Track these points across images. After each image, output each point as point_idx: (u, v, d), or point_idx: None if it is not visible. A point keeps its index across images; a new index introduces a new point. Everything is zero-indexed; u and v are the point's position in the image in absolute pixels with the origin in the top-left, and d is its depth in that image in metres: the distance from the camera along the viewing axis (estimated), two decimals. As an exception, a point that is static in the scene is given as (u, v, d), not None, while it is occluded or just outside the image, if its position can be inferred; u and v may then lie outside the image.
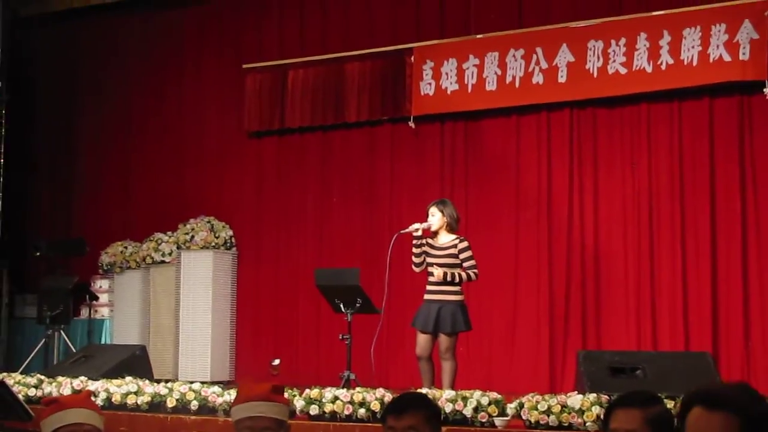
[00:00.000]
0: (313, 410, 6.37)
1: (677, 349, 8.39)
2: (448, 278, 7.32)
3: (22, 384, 7.29)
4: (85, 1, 11.32)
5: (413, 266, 7.60)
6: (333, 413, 6.34)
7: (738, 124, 8.57)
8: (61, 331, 9.80)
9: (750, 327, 8.39)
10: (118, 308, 10.78)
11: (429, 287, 7.48)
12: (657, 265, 8.78)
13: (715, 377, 6.29)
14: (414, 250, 7.53)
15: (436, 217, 7.49)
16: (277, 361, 9.23)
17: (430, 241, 7.53)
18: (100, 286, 10.85)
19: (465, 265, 7.44)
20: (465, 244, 7.46)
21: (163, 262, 10.47)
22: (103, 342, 10.55)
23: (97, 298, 10.54)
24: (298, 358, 10.13)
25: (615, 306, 8.93)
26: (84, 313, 10.77)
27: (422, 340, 7.44)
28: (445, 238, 7.49)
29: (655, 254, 8.80)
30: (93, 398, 3.92)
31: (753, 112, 8.52)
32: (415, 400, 3.41)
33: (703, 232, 8.62)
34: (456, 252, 7.42)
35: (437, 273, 7.32)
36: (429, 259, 7.48)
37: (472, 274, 7.44)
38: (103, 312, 10.83)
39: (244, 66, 10.62)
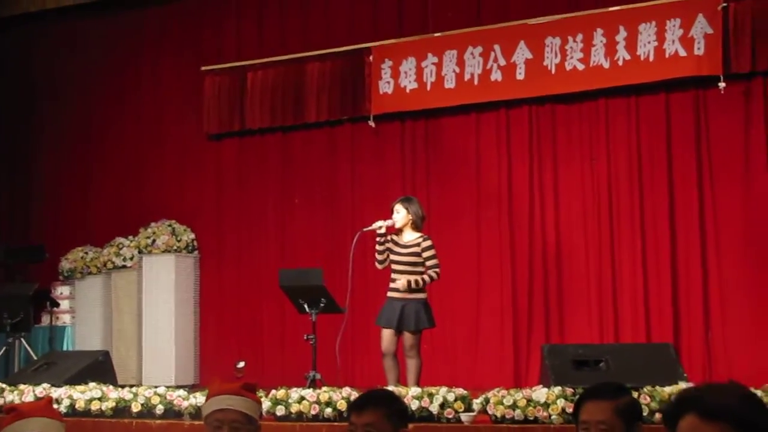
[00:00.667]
0: (280, 411, 6.37)
1: (639, 341, 8.49)
2: (413, 286, 7.33)
3: (-17, 392, 7.21)
4: (42, 5, 11.19)
5: (376, 263, 7.61)
6: (299, 413, 6.34)
7: (694, 117, 8.68)
8: (22, 339, 9.69)
9: (710, 318, 8.50)
10: (79, 314, 10.69)
11: (393, 285, 7.47)
12: (618, 258, 8.86)
13: (678, 368, 6.35)
14: (377, 247, 7.53)
15: (400, 215, 7.50)
16: (242, 364, 9.16)
17: (394, 238, 7.54)
18: (61, 293, 10.76)
19: (428, 264, 7.45)
20: (428, 243, 7.47)
21: (124, 266, 10.42)
22: (65, 349, 10.45)
23: (57, 305, 10.45)
24: (263, 359, 10.10)
25: (577, 300, 9.00)
26: (45, 320, 10.67)
27: (387, 337, 7.45)
28: (409, 236, 7.50)
29: (615, 248, 8.89)
30: (55, 405, 3.88)
31: (708, 105, 8.63)
32: (377, 397, 3.44)
33: (662, 225, 8.72)
34: (419, 250, 7.43)
35: (402, 283, 7.33)
36: (392, 257, 7.49)
37: (434, 275, 7.45)
38: (65, 318, 10.74)
39: (203, 68, 10.59)
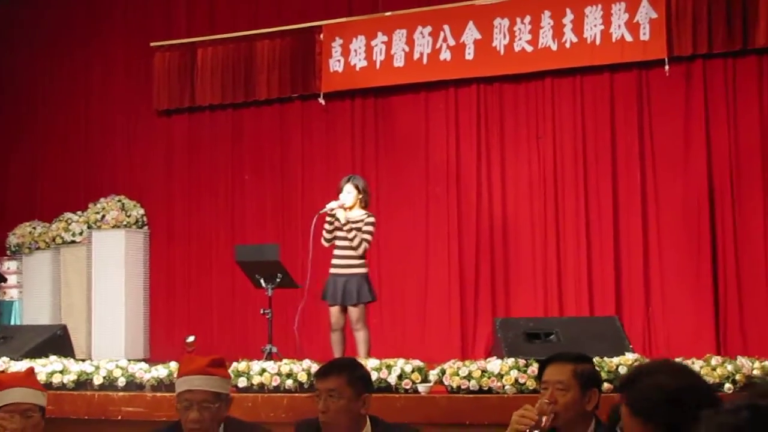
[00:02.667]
0: (242, 383, 6.50)
1: (582, 314, 8.76)
2: (348, 226, 7.45)
3: (-61, 365, 7.23)
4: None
5: (323, 241, 7.68)
6: (261, 385, 6.48)
7: (637, 97, 8.94)
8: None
9: (650, 292, 8.79)
10: (27, 289, 10.65)
11: (335, 261, 7.64)
12: (562, 234, 9.11)
13: (624, 340, 6.62)
14: (327, 226, 7.63)
15: (351, 194, 7.64)
16: (191, 338, 9.27)
17: (334, 217, 7.66)
18: (8, 268, 10.70)
19: (363, 236, 7.62)
20: (372, 219, 7.64)
21: (73, 242, 10.40)
22: (12, 323, 10.42)
23: (5, 280, 10.41)
24: (213, 334, 10.19)
25: (523, 274, 9.24)
26: (-8, 295, 10.65)
27: (335, 313, 7.62)
28: (356, 214, 7.65)
29: (560, 224, 9.13)
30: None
31: (651, 85, 8.90)
32: (340, 364, 3.62)
33: (605, 201, 8.99)
34: (362, 225, 7.58)
35: (341, 214, 7.45)
36: (338, 233, 7.64)
37: (364, 243, 7.57)
38: (12, 293, 10.69)
39: (153, 44, 10.57)
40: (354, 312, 7.53)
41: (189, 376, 3.63)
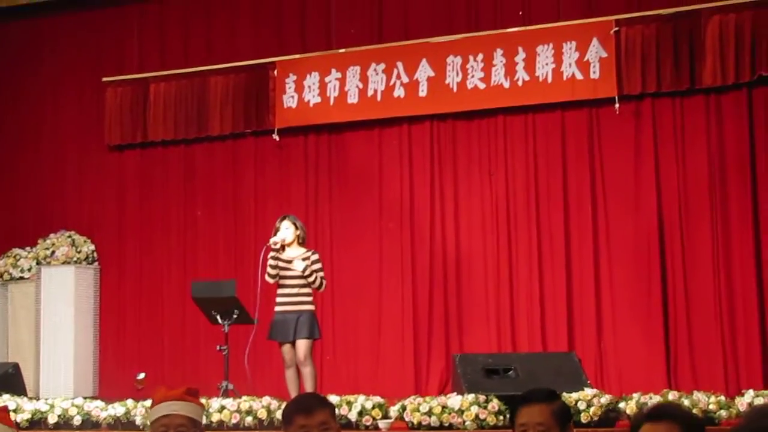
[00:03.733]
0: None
1: (535, 349, 8.82)
2: (308, 272, 7.47)
3: None
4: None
5: (268, 278, 7.67)
6: (220, 422, 6.44)
7: (588, 134, 9.09)
8: None
9: (602, 328, 8.88)
10: (-27, 326, 10.49)
11: (283, 299, 7.63)
12: (515, 269, 9.19)
13: (581, 375, 6.70)
14: (270, 262, 7.64)
15: (290, 231, 7.68)
16: (141, 375, 9.24)
17: (279, 255, 7.68)
18: (-45, 304, 10.53)
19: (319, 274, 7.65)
20: (317, 256, 7.70)
21: (22, 278, 10.27)
22: (-43, 361, 10.24)
23: (-49, 316, 10.23)
24: (164, 370, 10.08)
25: (476, 309, 9.28)
26: (-62, 332, 10.44)
27: (287, 350, 7.60)
28: (297, 251, 7.68)
29: (512, 260, 9.21)
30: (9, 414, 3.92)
31: (601, 123, 9.04)
32: (318, 398, 3.62)
33: (557, 238, 9.09)
34: (309, 263, 7.60)
35: (301, 266, 7.48)
36: (283, 272, 7.64)
37: (323, 281, 7.65)
38: (-42, 330, 10.51)
39: (105, 79, 10.53)
40: (303, 347, 7.52)
41: (167, 402, 3.63)
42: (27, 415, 6.76)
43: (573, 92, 8.95)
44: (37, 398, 7.94)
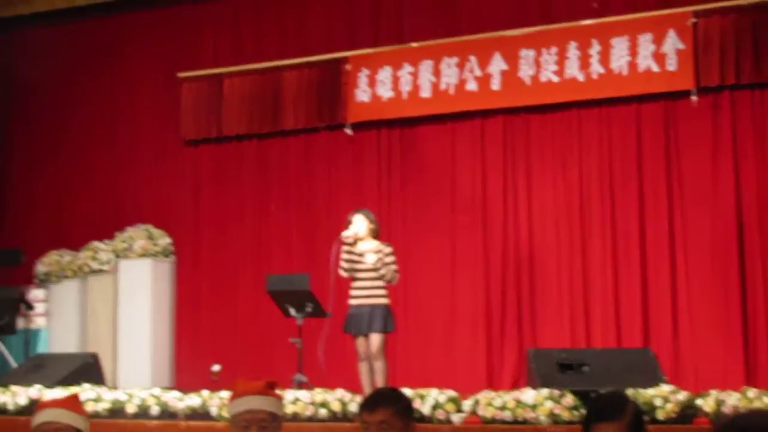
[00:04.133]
0: (275, 412, 6.50)
1: (609, 345, 8.74)
2: (378, 264, 7.50)
3: (-26, 394, 7.28)
4: (14, 10, 11.22)
5: (341, 271, 7.70)
6: (294, 414, 6.49)
7: (664, 127, 8.96)
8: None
9: (678, 323, 8.76)
10: (54, 318, 10.70)
11: (357, 292, 7.66)
12: (589, 264, 9.11)
13: (657, 371, 6.61)
14: (344, 255, 7.67)
15: (363, 225, 7.70)
16: (217, 367, 9.33)
17: (352, 248, 7.71)
18: (36, 296, 10.75)
19: (390, 268, 7.66)
20: (390, 249, 7.70)
21: (100, 270, 10.46)
22: (39, 352, 10.46)
23: (32, 308, 10.45)
24: (238, 363, 10.18)
25: (549, 304, 9.22)
26: (19, 323, 10.65)
27: (361, 343, 7.63)
28: (370, 245, 7.70)
29: (587, 254, 9.13)
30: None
31: (678, 116, 8.92)
32: (386, 396, 3.65)
33: (632, 233, 8.98)
34: (382, 256, 7.62)
35: (372, 259, 7.50)
36: (357, 265, 7.67)
37: (396, 274, 7.67)
38: (39, 322, 10.73)
39: (180, 74, 10.68)
40: (377, 341, 7.55)
41: (247, 396, 3.67)
42: (107, 405, 6.89)
43: (649, 85, 8.83)
44: (116, 388, 8.08)
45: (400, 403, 3.71)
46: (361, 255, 7.61)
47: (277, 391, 6.37)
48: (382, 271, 7.53)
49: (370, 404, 3.67)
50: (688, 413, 6.18)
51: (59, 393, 6.83)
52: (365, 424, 3.64)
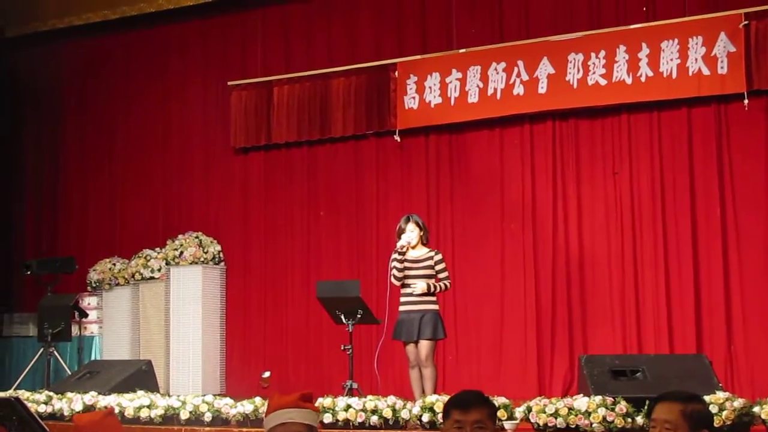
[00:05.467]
0: (327, 418, 6.53)
1: (662, 352, 8.64)
2: (431, 290, 7.54)
3: (31, 401, 7.36)
4: (69, 21, 11.40)
5: (394, 280, 7.69)
6: (346, 421, 6.50)
7: (716, 131, 8.86)
8: (53, 349, 9.83)
9: (732, 330, 8.64)
10: (107, 325, 10.85)
11: (407, 299, 7.65)
12: (640, 270, 9.02)
13: (713, 378, 6.54)
14: (397, 265, 7.67)
15: (414, 233, 7.70)
16: (267, 374, 9.36)
17: (404, 257, 7.70)
18: (89, 303, 10.91)
19: (441, 276, 7.68)
20: (440, 256, 7.72)
21: (152, 278, 10.58)
22: (93, 359, 10.60)
23: (86, 315, 10.57)
24: (288, 369, 10.25)
25: (600, 311, 9.15)
26: (73, 330, 10.79)
27: (412, 350, 7.62)
28: (420, 251, 7.71)
29: (638, 260, 9.04)
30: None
31: (730, 119, 8.82)
32: (480, 396, 3.62)
33: (684, 238, 8.88)
34: (432, 263, 7.64)
35: (422, 287, 7.52)
36: (407, 272, 7.66)
37: (448, 284, 7.74)
38: (92, 329, 10.89)
39: (230, 83, 10.77)
40: (426, 347, 7.54)
41: (282, 409, 3.65)
42: (160, 411, 6.95)
43: (699, 88, 8.73)
44: (168, 395, 8.16)
45: (492, 405, 3.70)
46: (413, 261, 7.61)
47: (327, 399, 6.42)
48: (436, 291, 7.55)
49: (464, 403, 3.62)
50: (744, 421, 6.10)
51: (112, 399, 6.93)
52: (458, 423, 3.60)
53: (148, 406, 6.97)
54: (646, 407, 5.78)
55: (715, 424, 5.95)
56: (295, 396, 3.67)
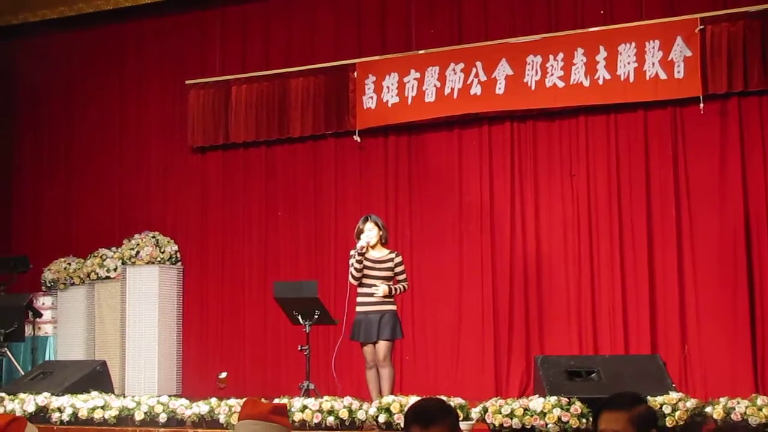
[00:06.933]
0: (283, 420, 6.49)
1: (617, 352, 8.71)
2: (392, 293, 7.56)
3: (-19, 402, 7.28)
4: (24, 18, 11.27)
5: (352, 279, 7.67)
6: (302, 422, 6.48)
7: (672, 134, 8.94)
8: (6, 349, 9.70)
9: (686, 331, 8.73)
10: (61, 325, 10.73)
11: (365, 299, 7.63)
12: (597, 271, 9.08)
13: (666, 378, 6.59)
14: (356, 265, 7.64)
15: (374, 232, 7.69)
16: (224, 374, 9.31)
17: (363, 257, 7.69)
18: (43, 303, 10.79)
19: (399, 278, 7.69)
20: (400, 258, 7.73)
21: (108, 277, 10.47)
22: (47, 359, 10.48)
23: (40, 315, 10.46)
24: (245, 370, 10.21)
25: (557, 312, 9.20)
26: (27, 330, 10.65)
27: (370, 350, 7.60)
28: (381, 253, 7.70)
29: (594, 261, 9.10)
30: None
31: (685, 122, 8.91)
32: (440, 409, 3.50)
33: (640, 240, 8.96)
34: (393, 265, 7.64)
35: (384, 290, 7.52)
36: (366, 272, 7.66)
37: (406, 286, 7.76)
38: (47, 329, 10.77)
39: (188, 82, 10.70)
40: (384, 348, 7.53)
41: (250, 420, 3.57)
42: (114, 412, 6.89)
43: (656, 92, 8.82)
44: (123, 395, 8.09)
45: (453, 415, 3.57)
46: (373, 262, 7.59)
47: (283, 399, 6.37)
48: (395, 293, 7.57)
49: (423, 418, 3.47)
50: (696, 421, 6.17)
51: (65, 400, 6.85)
52: None
53: (102, 407, 6.90)
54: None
55: (668, 424, 6.02)
56: (267, 408, 3.56)
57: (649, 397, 6.04)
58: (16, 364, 9.67)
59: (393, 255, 7.70)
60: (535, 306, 9.29)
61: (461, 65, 9.57)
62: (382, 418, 6.47)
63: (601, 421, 3.54)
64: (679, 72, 8.69)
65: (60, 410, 6.91)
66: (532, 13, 9.59)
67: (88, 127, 11.40)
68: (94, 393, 7.17)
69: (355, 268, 7.61)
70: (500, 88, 9.42)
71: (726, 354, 8.52)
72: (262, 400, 3.71)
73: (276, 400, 6.60)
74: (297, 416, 6.47)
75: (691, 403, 6.20)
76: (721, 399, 6.27)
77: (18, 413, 7.20)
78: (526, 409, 6.15)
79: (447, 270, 9.64)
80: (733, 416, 6.02)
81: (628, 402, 3.58)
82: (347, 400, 6.60)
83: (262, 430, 3.48)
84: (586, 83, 9.09)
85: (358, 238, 7.69)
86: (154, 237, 10.54)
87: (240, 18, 10.83)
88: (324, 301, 7.93)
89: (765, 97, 8.62)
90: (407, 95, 9.77)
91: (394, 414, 6.41)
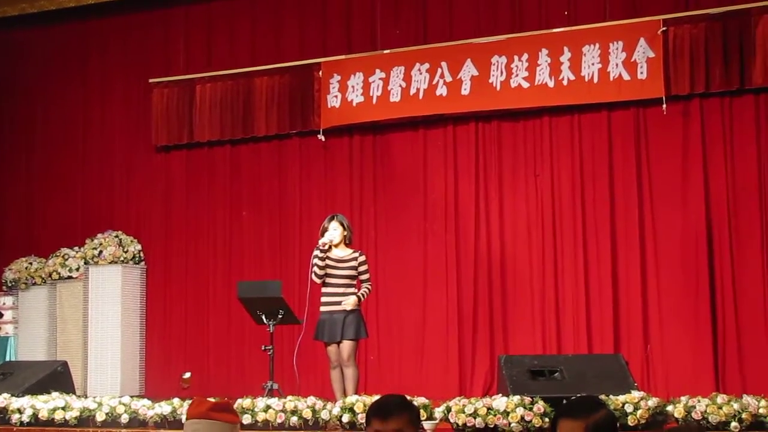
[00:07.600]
0: (246, 419, 6.49)
1: (581, 352, 8.75)
2: (361, 301, 7.57)
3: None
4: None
5: (315, 277, 7.67)
6: (266, 422, 6.46)
7: (635, 135, 9.00)
8: (-34, 350, 9.64)
9: (648, 330, 8.79)
10: (23, 325, 10.63)
11: (329, 299, 7.63)
12: (560, 271, 9.13)
13: (628, 377, 6.64)
14: (319, 263, 7.64)
15: (338, 231, 7.69)
16: (187, 374, 9.28)
17: (328, 254, 7.70)
18: (4, 303, 10.69)
19: (362, 278, 7.70)
20: (364, 258, 7.73)
21: (70, 277, 10.38)
22: (7, 359, 10.38)
23: (1, 315, 10.37)
24: (209, 370, 10.15)
25: (521, 311, 9.24)
26: (-13, 330, 10.61)
27: (333, 350, 7.60)
28: (344, 252, 7.70)
29: (558, 261, 9.15)
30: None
31: (648, 123, 8.97)
32: (399, 403, 3.55)
33: (603, 239, 9.01)
34: (356, 264, 7.64)
35: (353, 301, 7.51)
36: (330, 271, 7.65)
37: (370, 287, 7.78)
38: (7, 329, 10.67)
39: (151, 80, 10.63)
40: (348, 347, 7.53)
41: (191, 419, 3.53)
42: (75, 413, 6.84)
43: (620, 93, 8.88)
44: (85, 396, 8.03)
45: (413, 410, 3.61)
46: (336, 261, 7.58)
47: (246, 400, 6.33)
48: (362, 299, 7.59)
49: (382, 412, 3.52)
50: (658, 419, 6.22)
51: (25, 402, 6.78)
52: None
53: (63, 408, 6.85)
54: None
55: (630, 423, 6.06)
56: (206, 407, 3.50)
57: (611, 396, 6.09)
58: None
59: (357, 254, 7.70)
60: (499, 305, 9.31)
61: (426, 65, 9.58)
62: (345, 418, 6.47)
63: (558, 429, 3.53)
64: (642, 73, 8.75)
65: (20, 411, 6.85)
66: (496, 14, 9.63)
67: (51, 125, 11.28)
68: (55, 394, 7.12)
69: (318, 266, 7.61)
70: (466, 89, 9.43)
71: (687, 353, 8.59)
72: (209, 399, 3.67)
73: (239, 400, 6.60)
74: (260, 416, 6.46)
75: (652, 401, 6.25)
76: (683, 398, 6.34)
77: (-23, 414, 7.14)
78: (489, 409, 6.17)
79: (411, 270, 9.65)
80: (693, 415, 6.08)
81: (586, 408, 3.53)
82: (311, 400, 6.60)
83: (204, 428, 3.42)
84: (551, 84, 9.13)
85: (323, 237, 7.68)
86: (117, 236, 10.45)
87: (204, 16, 10.77)
88: (289, 301, 7.91)
89: (726, 98, 8.70)
90: (372, 95, 9.77)
91: (358, 414, 6.40)
